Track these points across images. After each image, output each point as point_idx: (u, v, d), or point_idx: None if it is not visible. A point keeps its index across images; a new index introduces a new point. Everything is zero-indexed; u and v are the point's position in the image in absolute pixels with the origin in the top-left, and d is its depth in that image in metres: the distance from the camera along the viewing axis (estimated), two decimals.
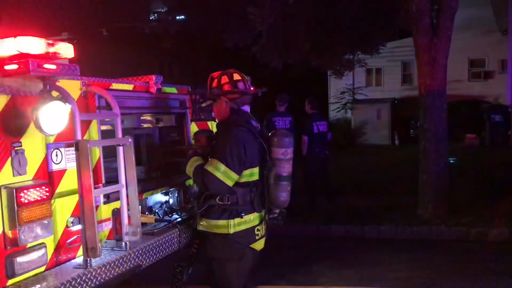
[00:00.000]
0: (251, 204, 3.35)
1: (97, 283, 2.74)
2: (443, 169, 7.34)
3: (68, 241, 2.86)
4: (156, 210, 3.79)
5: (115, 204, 3.17)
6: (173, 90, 4.03)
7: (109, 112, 3.12)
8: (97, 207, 3.03)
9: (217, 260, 3.38)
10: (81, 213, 2.71)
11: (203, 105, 4.04)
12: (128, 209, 3.09)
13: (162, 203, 3.89)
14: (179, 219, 3.72)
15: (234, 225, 3.30)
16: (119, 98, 3.28)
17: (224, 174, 3.18)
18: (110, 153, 3.18)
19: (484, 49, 21.95)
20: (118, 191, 3.07)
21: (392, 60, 23.40)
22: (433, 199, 7.32)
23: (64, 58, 2.66)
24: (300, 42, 10.13)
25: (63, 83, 2.79)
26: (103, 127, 3.29)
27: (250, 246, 3.39)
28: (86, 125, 3.03)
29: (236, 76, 3.43)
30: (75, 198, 2.86)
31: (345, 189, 9.47)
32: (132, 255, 3.04)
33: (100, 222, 3.10)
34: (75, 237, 2.88)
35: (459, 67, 20.48)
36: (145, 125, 4.05)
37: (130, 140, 3.05)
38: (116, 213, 3.16)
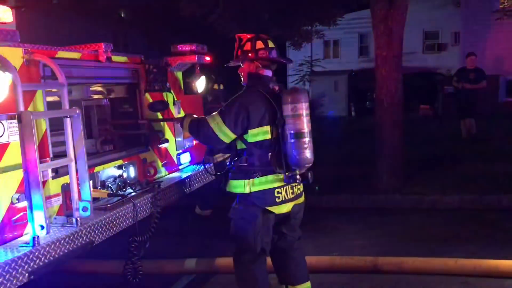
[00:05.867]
0: (268, 165, 3.39)
1: (46, 261, 2.61)
2: (398, 139, 7.48)
3: (13, 218, 2.71)
4: (109, 185, 3.67)
5: (65, 179, 3.03)
6: (124, 59, 3.86)
7: (55, 82, 2.94)
8: (44, 182, 2.88)
9: (233, 219, 3.53)
10: (26, 188, 2.58)
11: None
12: (79, 184, 2.96)
13: (115, 177, 3.76)
14: (133, 193, 3.62)
15: (250, 185, 3.40)
16: (66, 67, 3.10)
17: (217, 126, 3.37)
18: (60, 126, 3.02)
19: (438, 22, 22.38)
20: (67, 166, 2.93)
21: (349, 32, 23.56)
22: (388, 169, 7.45)
23: (1, 22, 2.47)
24: (259, 12, 9.99)
25: (2, 50, 2.60)
26: (52, 99, 3.12)
27: (268, 208, 3.43)
28: (30, 96, 2.85)
29: (271, 44, 3.59)
30: (20, 174, 2.69)
31: None
32: (84, 231, 2.92)
33: (49, 197, 2.96)
34: (21, 214, 2.73)
35: (414, 39, 20.80)
36: (96, 96, 3.88)
37: (77, 112, 2.89)
38: (66, 188, 3.02)
